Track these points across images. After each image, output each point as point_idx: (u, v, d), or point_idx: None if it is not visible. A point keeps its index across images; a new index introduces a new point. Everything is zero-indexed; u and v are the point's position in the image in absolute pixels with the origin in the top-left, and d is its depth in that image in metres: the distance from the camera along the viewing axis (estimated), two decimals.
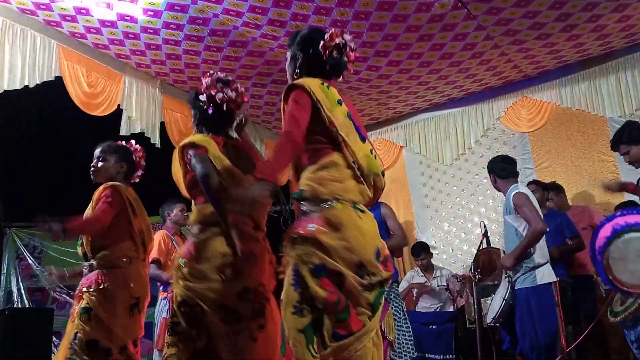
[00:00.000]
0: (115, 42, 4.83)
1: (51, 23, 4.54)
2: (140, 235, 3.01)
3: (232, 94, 2.62)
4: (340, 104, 2.15)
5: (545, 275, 3.72)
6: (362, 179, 2.09)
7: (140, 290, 2.94)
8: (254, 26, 4.63)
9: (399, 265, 6.44)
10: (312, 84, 2.12)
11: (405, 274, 6.08)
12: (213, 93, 2.59)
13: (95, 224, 2.84)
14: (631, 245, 2.89)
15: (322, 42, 2.21)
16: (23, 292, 7.84)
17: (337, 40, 2.22)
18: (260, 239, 2.45)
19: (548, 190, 5.02)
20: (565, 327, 3.95)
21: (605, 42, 5.18)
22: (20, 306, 7.68)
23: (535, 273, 3.72)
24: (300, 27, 4.64)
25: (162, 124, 5.40)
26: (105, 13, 4.42)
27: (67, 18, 4.49)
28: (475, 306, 4.28)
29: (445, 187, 6.47)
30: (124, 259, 2.92)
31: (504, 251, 4.15)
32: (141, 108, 5.22)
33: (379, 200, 4.58)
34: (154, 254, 4.47)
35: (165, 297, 4.48)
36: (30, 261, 8.00)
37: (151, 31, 4.69)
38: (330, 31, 2.22)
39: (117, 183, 2.99)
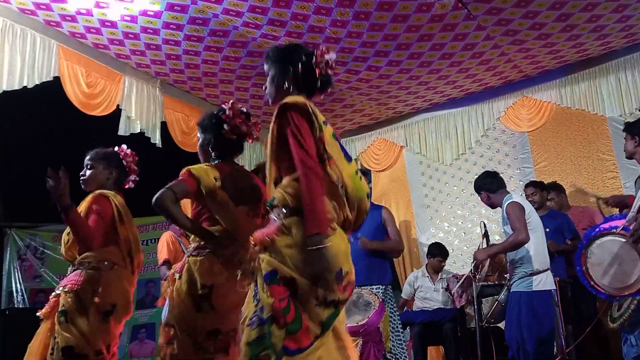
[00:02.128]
0: (115, 42, 4.83)
1: (51, 23, 4.54)
2: (126, 244, 2.93)
3: (253, 129, 2.68)
4: (326, 125, 2.11)
5: (542, 282, 3.75)
6: (344, 198, 2.02)
7: (117, 298, 2.83)
8: (254, 26, 4.63)
9: (399, 268, 6.44)
10: (304, 101, 2.07)
11: (405, 277, 6.09)
12: (238, 124, 2.62)
13: (87, 237, 2.78)
14: (606, 248, 2.93)
15: (314, 58, 2.17)
16: (24, 292, 7.85)
17: (327, 57, 2.18)
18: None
19: (548, 190, 5.03)
20: (565, 327, 3.96)
21: (605, 42, 5.18)
22: (21, 306, 7.68)
23: (532, 279, 3.75)
24: (300, 27, 4.64)
25: (163, 124, 5.41)
26: (105, 13, 4.43)
27: (67, 18, 4.49)
28: (476, 306, 4.28)
29: (445, 187, 6.47)
30: (106, 263, 2.84)
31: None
32: (141, 108, 5.21)
33: (380, 204, 4.59)
34: (163, 255, 4.47)
35: None
36: (33, 262, 8.01)
37: (151, 31, 4.69)
38: (321, 48, 2.19)
39: (105, 191, 2.93)
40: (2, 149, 6.25)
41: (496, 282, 4.35)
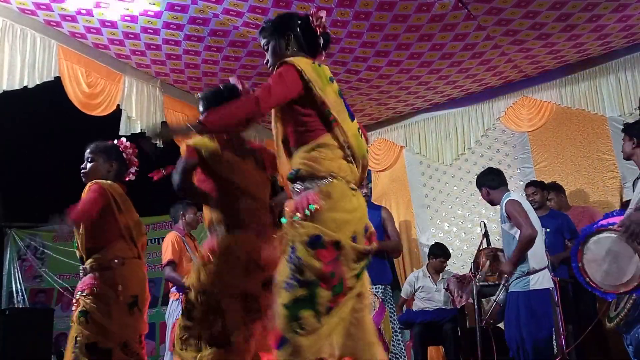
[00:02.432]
0: (115, 42, 4.83)
1: (51, 23, 4.54)
2: (128, 231, 2.98)
3: None
4: (332, 82, 2.17)
5: (539, 281, 3.74)
6: (351, 158, 2.10)
7: (135, 289, 2.92)
8: (254, 26, 4.63)
9: (399, 268, 6.43)
10: (303, 63, 2.10)
11: (405, 277, 6.08)
12: None
13: (87, 210, 2.81)
14: (601, 245, 2.92)
15: (312, 19, 2.23)
16: (24, 292, 7.85)
17: (321, 14, 2.25)
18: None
19: (548, 190, 5.03)
20: (565, 327, 3.96)
21: (605, 42, 5.18)
22: (21, 306, 7.68)
23: (529, 278, 3.74)
24: None
25: (163, 124, 5.41)
26: (105, 13, 4.43)
27: (67, 18, 4.49)
28: (476, 306, 4.28)
29: (445, 187, 6.47)
30: (116, 260, 2.90)
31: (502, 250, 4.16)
32: (141, 108, 5.22)
33: (379, 205, 4.57)
34: (168, 255, 4.46)
35: (177, 299, 4.47)
36: (33, 262, 8.01)
37: (151, 31, 4.69)
38: (312, 9, 2.26)
39: (101, 181, 2.96)
40: (2, 149, 6.25)
41: (496, 282, 4.35)
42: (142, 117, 5.20)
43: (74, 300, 2.92)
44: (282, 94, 2.03)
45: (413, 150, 6.67)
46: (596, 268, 2.94)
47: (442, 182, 6.50)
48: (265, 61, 2.33)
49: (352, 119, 2.18)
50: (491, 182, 4.05)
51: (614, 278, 2.88)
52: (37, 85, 4.40)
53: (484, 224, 4.38)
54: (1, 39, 4.22)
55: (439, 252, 5.51)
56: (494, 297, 3.98)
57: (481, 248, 4.38)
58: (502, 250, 4.15)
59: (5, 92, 4.20)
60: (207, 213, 2.62)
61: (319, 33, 2.23)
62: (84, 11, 4.40)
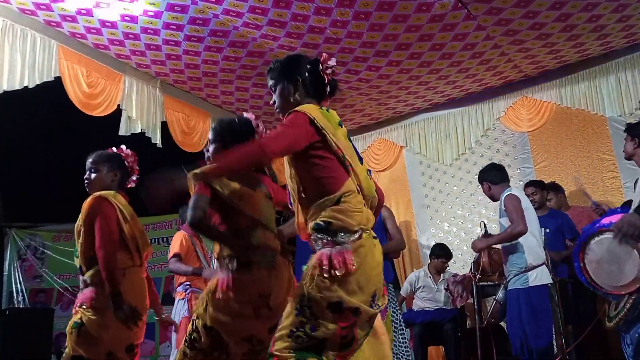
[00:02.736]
0: (115, 42, 4.84)
1: (51, 23, 4.54)
2: (134, 241, 2.96)
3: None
4: (341, 126, 2.14)
5: (538, 277, 3.75)
6: (364, 201, 2.07)
7: (135, 300, 2.86)
8: (254, 26, 4.63)
9: (399, 269, 6.43)
10: (312, 110, 2.08)
11: (405, 277, 6.08)
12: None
13: (106, 245, 2.81)
14: (603, 245, 2.92)
15: (321, 65, 2.21)
16: (24, 292, 7.85)
17: (331, 63, 2.23)
18: (287, 264, 2.47)
19: (547, 190, 5.03)
20: (565, 327, 3.96)
21: (605, 42, 5.18)
22: (21, 306, 7.68)
23: (527, 275, 3.76)
24: (300, 27, 4.64)
25: (163, 124, 5.41)
26: (105, 13, 4.43)
27: (67, 18, 4.49)
28: (476, 306, 4.28)
29: (445, 187, 6.47)
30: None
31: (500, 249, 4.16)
32: (141, 108, 5.22)
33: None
34: (175, 249, 4.52)
35: (183, 298, 4.50)
36: (33, 262, 8.01)
37: (151, 31, 4.69)
38: (323, 55, 2.24)
39: (104, 192, 2.93)
40: (2, 149, 6.25)
41: (496, 282, 4.35)
42: (142, 117, 5.20)
43: (74, 311, 2.90)
44: (289, 141, 1.99)
45: (413, 150, 6.67)
46: (598, 268, 2.94)
47: (442, 182, 6.50)
48: (272, 101, 2.29)
49: (361, 162, 2.15)
50: (493, 177, 4.08)
51: (615, 279, 2.88)
52: (37, 85, 4.40)
53: (484, 224, 4.38)
54: (1, 39, 4.22)
55: (441, 253, 5.52)
56: (495, 296, 3.99)
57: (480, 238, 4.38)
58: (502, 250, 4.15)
59: (5, 92, 4.20)
60: (217, 246, 2.53)
61: (327, 80, 2.22)
62: (84, 11, 4.40)
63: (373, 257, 2.00)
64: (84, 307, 2.83)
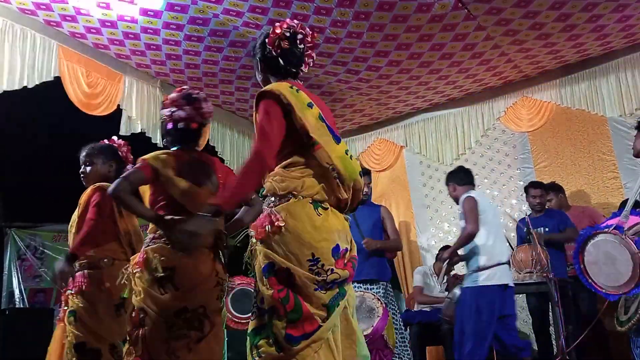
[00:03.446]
0: (115, 42, 4.84)
1: (51, 23, 4.54)
2: (127, 236, 2.99)
3: (192, 112, 2.54)
4: (311, 107, 2.09)
5: (489, 277, 3.78)
6: (337, 180, 2.04)
7: (116, 293, 2.87)
8: (254, 26, 4.63)
9: (399, 269, 6.42)
10: (281, 87, 2.07)
11: (405, 277, 6.07)
12: (172, 110, 2.54)
13: (89, 233, 2.85)
14: (600, 248, 2.98)
15: (267, 39, 2.18)
16: (24, 292, 7.85)
17: (280, 31, 2.17)
18: (208, 256, 2.43)
19: (547, 191, 5.03)
20: (565, 327, 3.96)
21: (605, 42, 5.17)
22: (21, 306, 7.69)
23: (478, 274, 3.80)
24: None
25: None
26: (105, 13, 4.43)
27: (67, 18, 4.49)
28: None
29: (445, 187, 6.44)
30: (105, 260, 2.92)
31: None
32: (142, 108, 5.22)
33: (378, 204, 4.57)
34: None
35: None
36: (32, 262, 8.01)
37: (151, 31, 4.69)
38: (275, 25, 2.18)
39: (103, 184, 2.96)
40: (2, 149, 6.25)
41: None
42: (142, 117, 5.20)
43: (62, 298, 2.94)
44: (277, 129, 2.01)
45: (413, 150, 6.67)
46: (597, 270, 2.99)
47: (442, 182, 6.45)
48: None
49: (338, 141, 2.11)
50: (459, 180, 4.16)
51: (614, 279, 2.92)
52: (37, 85, 4.40)
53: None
54: (1, 39, 4.22)
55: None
56: (449, 294, 4.06)
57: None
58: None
59: (5, 92, 4.19)
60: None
61: (275, 54, 2.18)
62: (84, 11, 4.40)
63: (311, 221, 1.97)
64: (72, 292, 2.86)
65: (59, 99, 4.66)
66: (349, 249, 2.06)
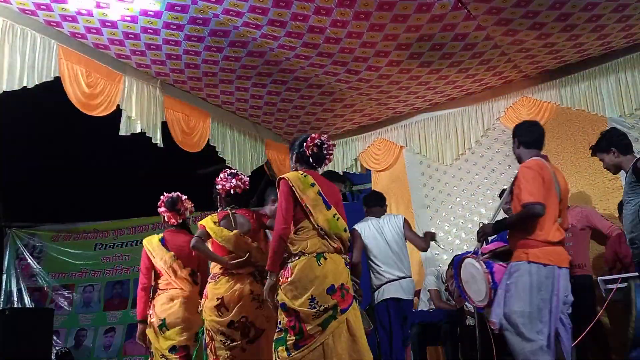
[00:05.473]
0: (115, 42, 4.83)
1: (51, 23, 4.54)
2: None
3: (239, 183, 3.90)
4: (313, 186, 3.21)
5: (380, 295, 4.53)
6: (326, 236, 3.15)
7: (162, 314, 4.12)
8: (254, 26, 4.63)
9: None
10: (292, 175, 3.23)
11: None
12: (225, 184, 3.92)
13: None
14: (467, 269, 3.52)
15: (305, 143, 3.33)
16: (23, 292, 7.85)
17: (316, 141, 3.32)
18: (246, 281, 3.65)
19: None
20: None
21: (605, 42, 5.18)
22: (20, 306, 7.68)
23: (375, 294, 4.58)
24: (300, 27, 4.64)
25: (163, 124, 5.40)
26: (105, 13, 4.43)
27: (67, 18, 4.49)
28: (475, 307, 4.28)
29: (445, 187, 6.46)
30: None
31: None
32: (141, 108, 5.21)
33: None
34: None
35: None
36: (29, 261, 8.01)
37: (151, 31, 4.69)
38: (312, 135, 3.37)
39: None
40: (2, 149, 6.25)
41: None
42: (142, 117, 5.19)
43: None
44: (289, 205, 3.17)
45: (413, 150, 6.67)
46: (468, 287, 3.52)
47: (442, 182, 6.50)
48: None
49: (329, 208, 3.21)
50: (369, 203, 4.92)
51: (478, 294, 3.42)
52: (37, 85, 4.39)
53: (484, 224, 4.38)
54: (1, 39, 4.21)
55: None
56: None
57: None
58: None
59: (5, 92, 4.19)
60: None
61: (308, 154, 3.34)
62: (84, 11, 4.40)
63: (312, 271, 3.04)
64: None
65: (59, 99, 4.66)
66: (343, 283, 3.11)
